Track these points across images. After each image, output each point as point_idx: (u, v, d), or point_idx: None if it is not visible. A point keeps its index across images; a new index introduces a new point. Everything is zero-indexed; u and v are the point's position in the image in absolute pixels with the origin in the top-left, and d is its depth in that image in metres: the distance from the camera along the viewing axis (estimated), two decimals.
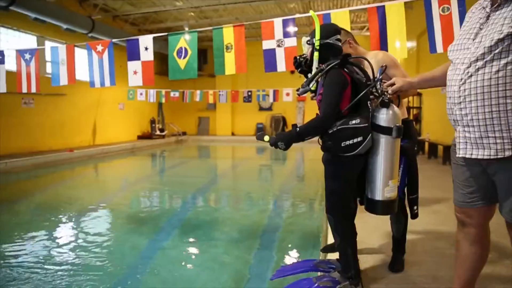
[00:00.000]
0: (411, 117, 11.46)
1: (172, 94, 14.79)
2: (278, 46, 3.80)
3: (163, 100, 14.89)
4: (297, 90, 2.23)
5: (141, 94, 14.28)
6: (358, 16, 14.85)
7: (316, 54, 2.10)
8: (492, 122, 1.49)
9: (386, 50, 3.60)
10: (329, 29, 2.15)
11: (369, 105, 2.05)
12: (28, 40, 11.47)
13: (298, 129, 2.03)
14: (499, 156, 1.51)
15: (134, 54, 4.34)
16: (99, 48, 4.51)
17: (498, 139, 1.50)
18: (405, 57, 3.63)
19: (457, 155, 1.67)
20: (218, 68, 4.04)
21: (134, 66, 4.36)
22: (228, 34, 3.97)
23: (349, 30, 3.93)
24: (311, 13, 2.29)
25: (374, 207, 2.17)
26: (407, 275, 2.48)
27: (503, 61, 1.45)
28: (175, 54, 4.14)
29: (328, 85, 2.01)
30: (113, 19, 14.63)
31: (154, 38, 4.48)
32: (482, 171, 1.63)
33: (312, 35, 2.14)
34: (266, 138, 2.08)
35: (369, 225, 3.48)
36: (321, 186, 6.16)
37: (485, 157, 1.55)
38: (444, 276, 2.44)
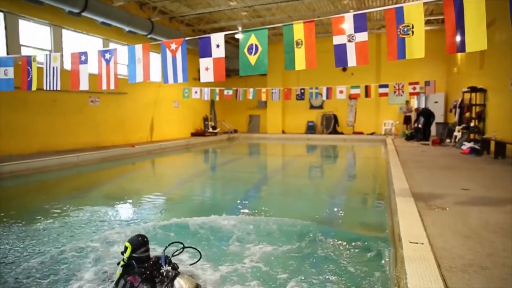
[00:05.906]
0: (474, 115, 11.01)
1: (225, 92, 15.11)
2: (349, 41, 3.79)
3: (217, 98, 15.25)
4: None
5: (195, 92, 14.71)
6: (427, 9, 14.20)
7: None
8: None
9: (463, 41, 3.50)
10: (137, 244, 2.57)
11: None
12: (95, 43, 12.27)
13: None
14: None
15: (206, 51, 4.52)
16: (173, 46, 4.75)
17: None
18: (485, 48, 3.48)
19: None
20: (288, 63, 4.11)
21: (205, 63, 4.55)
22: (298, 30, 4.02)
23: (423, 22, 3.84)
24: (127, 245, 2.59)
25: None
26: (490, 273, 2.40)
27: None
28: (245, 50, 4.26)
29: None
30: (169, 21, 15.26)
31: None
32: None
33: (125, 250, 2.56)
34: None
35: (440, 224, 3.39)
36: (376, 183, 6.06)
37: None
38: None
